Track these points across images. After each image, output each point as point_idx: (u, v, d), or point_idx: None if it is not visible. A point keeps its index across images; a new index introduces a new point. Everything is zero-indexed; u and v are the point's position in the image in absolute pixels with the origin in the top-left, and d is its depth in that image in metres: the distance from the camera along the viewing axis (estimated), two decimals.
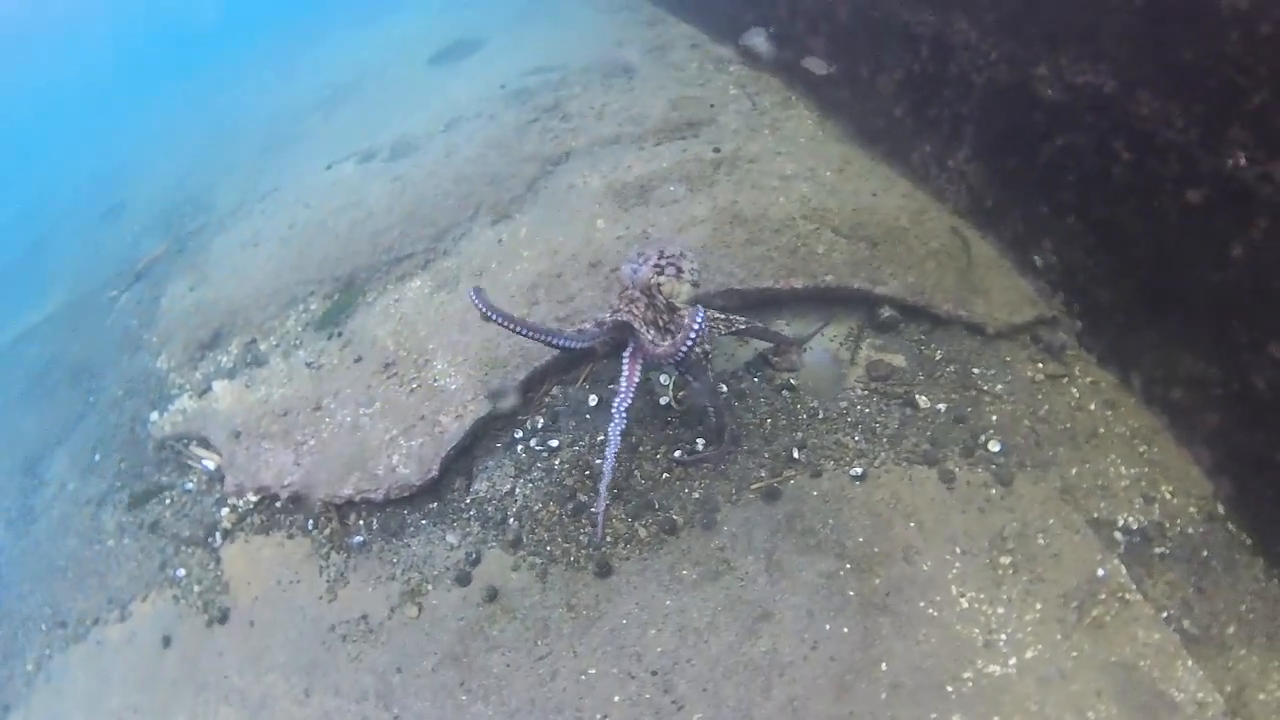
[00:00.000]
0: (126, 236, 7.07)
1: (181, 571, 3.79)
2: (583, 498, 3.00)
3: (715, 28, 5.40)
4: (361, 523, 3.34)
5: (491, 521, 3.07)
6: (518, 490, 3.10)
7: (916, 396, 3.04)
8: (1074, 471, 2.93)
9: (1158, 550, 2.76)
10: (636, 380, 2.71)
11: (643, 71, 4.97)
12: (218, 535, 3.79)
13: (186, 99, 10.59)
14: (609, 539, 2.89)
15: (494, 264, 3.79)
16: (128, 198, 8.19)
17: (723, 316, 2.93)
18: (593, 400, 3.26)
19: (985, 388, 3.07)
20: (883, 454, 2.90)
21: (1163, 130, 2.67)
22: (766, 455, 2.94)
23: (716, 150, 3.88)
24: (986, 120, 3.19)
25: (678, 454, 2.99)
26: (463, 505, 3.18)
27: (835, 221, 3.38)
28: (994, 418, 3.02)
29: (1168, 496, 2.90)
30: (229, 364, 4.37)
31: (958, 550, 2.72)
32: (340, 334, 3.99)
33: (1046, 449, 2.97)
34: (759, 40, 4.01)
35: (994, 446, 2.92)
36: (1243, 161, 2.49)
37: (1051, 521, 2.80)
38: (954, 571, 2.68)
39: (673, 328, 2.72)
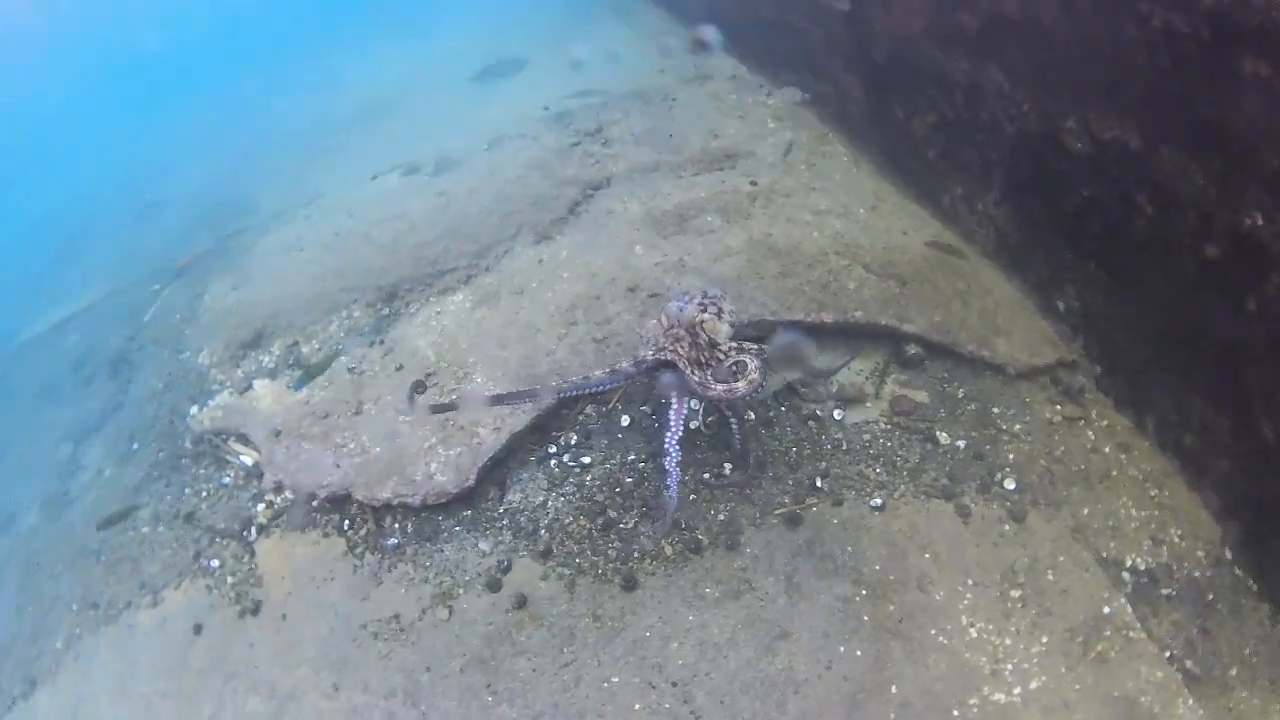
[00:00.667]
0: (166, 234, 7.33)
1: (215, 562, 3.96)
2: (612, 514, 3.16)
3: (754, 59, 5.63)
4: (396, 525, 3.51)
5: (523, 531, 3.24)
6: (550, 503, 3.27)
7: (937, 432, 3.20)
8: (1086, 511, 3.09)
9: (1164, 591, 2.92)
10: (684, 415, 2.89)
11: (682, 100, 5.19)
12: (253, 530, 3.96)
13: (225, 105, 10.92)
14: (636, 554, 3.07)
15: (534, 283, 3.98)
16: (166, 197, 8.49)
17: (755, 348, 3.11)
18: (625, 420, 3.43)
19: (1004, 427, 3.24)
20: (902, 486, 3.06)
21: (1183, 186, 2.83)
22: (790, 482, 3.10)
23: (753, 183, 4.08)
24: (1016, 167, 3.38)
25: (706, 476, 3.16)
26: (496, 514, 3.35)
27: (866, 258, 3.56)
28: (1011, 456, 3.18)
29: (1176, 539, 3.06)
30: (270, 364, 4.56)
31: (970, 581, 2.88)
32: (382, 342, 4.18)
33: (1060, 488, 3.14)
34: (709, 33, 4.25)
35: (1009, 484, 3.08)
36: (1259, 221, 2.65)
37: (1062, 558, 2.96)
38: (965, 602, 2.84)
39: (713, 364, 2.90)
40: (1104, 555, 2.99)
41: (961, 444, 3.18)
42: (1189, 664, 2.75)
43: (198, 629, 3.82)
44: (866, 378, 3.39)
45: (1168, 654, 2.76)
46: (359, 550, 3.53)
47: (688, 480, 3.22)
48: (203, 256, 5.91)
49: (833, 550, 2.94)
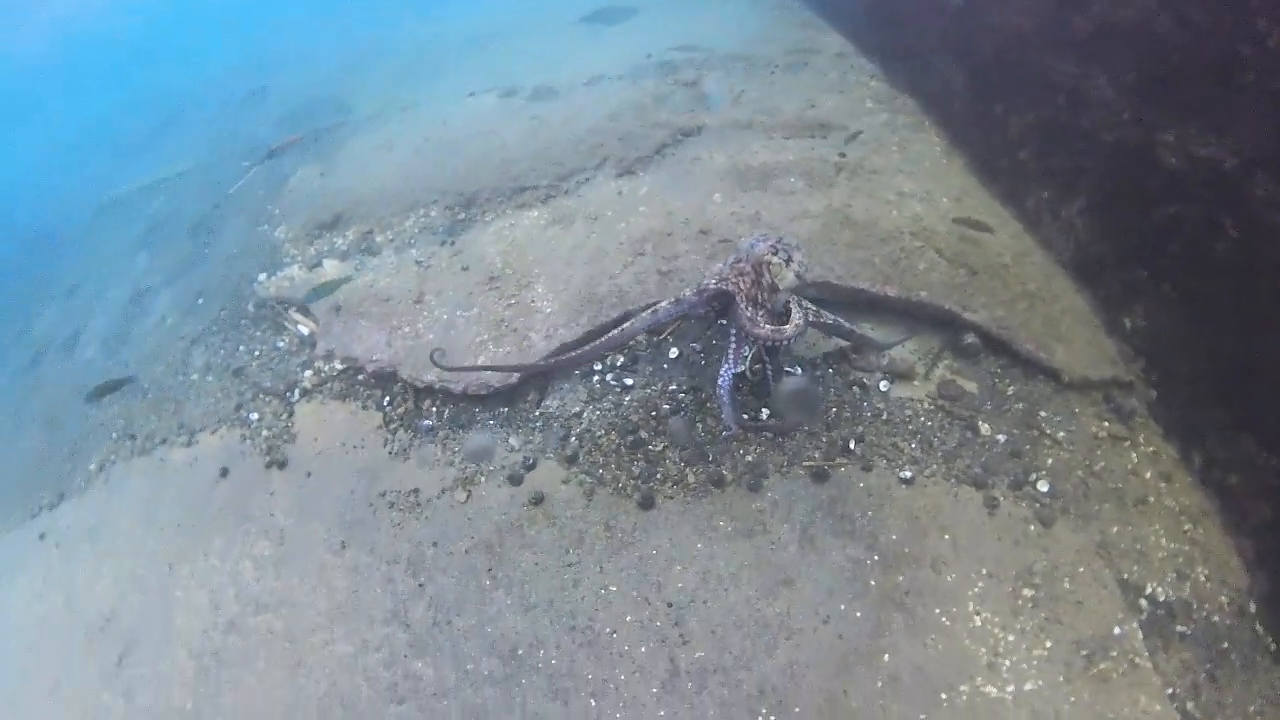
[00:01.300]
0: (264, 120, 7.67)
1: (255, 415, 4.15)
2: (643, 434, 3.22)
3: (863, 42, 5.58)
4: (434, 409, 3.64)
5: (555, 436, 3.32)
6: (585, 414, 3.35)
7: (979, 423, 3.16)
8: (1115, 530, 3.01)
9: (1180, 628, 2.81)
10: (745, 353, 2.97)
11: (785, 68, 5.20)
12: (296, 392, 4.14)
13: (338, 23, 11.27)
14: (658, 475, 3.09)
15: (609, 212, 4.07)
16: (269, 87, 8.86)
17: (813, 309, 3.12)
18: (673, 353, 3.48)
19: (1048, 431, 3.17)
20: (934, 466, 3.04)
21: (1273, 214, 2.75)
22: (824, 440, 3.10)
23: (842, 155, 4.08)
24: (1107, 177, 3.31)
25: (744, 417, 3.18)
26: (531, 416, 3.45)
27: (941, 244, 3.53)
28: (1049, 461, 3.12)
29: (1202, 579, 2.94)
30: (344, 246, 4.76)
31: (984, 572, 2.83)
32: (453, 243, 4.33)
33: (1093, 503, 3.06)
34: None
35: (1043, 487, 3.02)
36: None
37: (1082, 570, 2.89)
38: (975, 590, 2.79)
39: (769, 306, 2.94)
40: (1125, 577, 2.90)
41: (1001, 438, 3.12)
42: (1190, 706, 2.65)
43: (224, 472, 4.01)
44: (920, 358, 3.36)
45: (1170, 690, 2.66)
46: (393, 426, 3.68)
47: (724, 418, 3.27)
48: (296, 143, 6.17)
49: (853, 512, 2.93)
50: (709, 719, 2.52)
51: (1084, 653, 2.70)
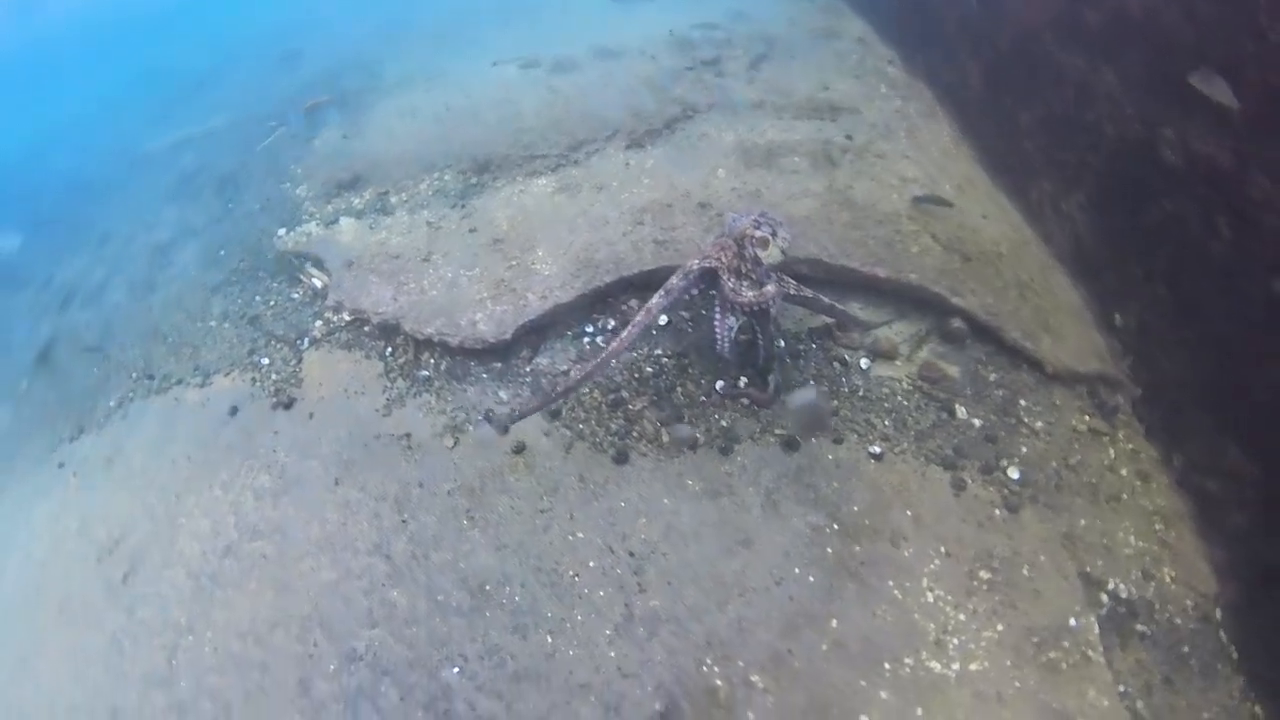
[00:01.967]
0: (295, 82, 8.17)
1: (266, 360, 4.59)
2: (624, 394, 3.52)
3: (884, 28, 5.80)
4: (432, 361, 4.00)
5: (541, 391, 3.65)
6: (572, 372, 3.67)
7: (957, 406, 3.39)
8: (1083, 523, 3.16)
9: (1140, 627, 2.95)
10: (732, 326, 3.27)
11: (804, 51, 5.47)
12: (305, 340, 4.56)
13: None
14: (634, 434, 3.39)
15: (615, 182, 4.41)
16: (302, 49, 9.46)
17: (794, 283, 3.40)
18: (663, 320, 3.76)
19: (1026, 420, 3.37)
20: (906, 444, 3.28)
21: (1268, 216, 2.89)
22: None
23: (849, 138, 4.34)
24: (1109, 171, 3.48)
25: (720, 384, 3.47)
26: (523, 372, 3.78)
27: (937, 230, 3.75)
28: (1024, 449, 3.31)
29: (1168, 581, 3.07)
30: (360, 206, 5.18)
31: (943, 550, 3.03)
32: (464, 206, 4.71)
33: (1065, 495, 3.22)
34: None
35: (1014, 474, 3.21)
36: None
37: (1043, 559, 3.04)
38: (932, 567, 2.99)
39: (754, 277, 3.22)
40: (1088, 570, 3.05)
41: (977, 423, 3.34)
42: (1140, 706, 2.78)
43: (234, 411, 4.45)
44: (904, 340, 3.60)
45: (1122, 688, 2.80)
46: (393, 375, 4.05)
47: (703, 383, 3.52)
48: (324, 104, 6.64)
49: (819, 482, 3.19)
50: (656, 664, 2.79)
51: (1035, 640, 2.85)
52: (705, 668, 2.77)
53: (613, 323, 3.80)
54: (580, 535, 3.17)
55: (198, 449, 4.48)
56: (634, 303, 3.80)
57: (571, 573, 3.07)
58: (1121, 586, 3.05)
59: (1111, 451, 3.35)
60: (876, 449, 3.23)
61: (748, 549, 3.04)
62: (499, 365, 3.84)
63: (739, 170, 4.22)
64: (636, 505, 3.20)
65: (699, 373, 3.56)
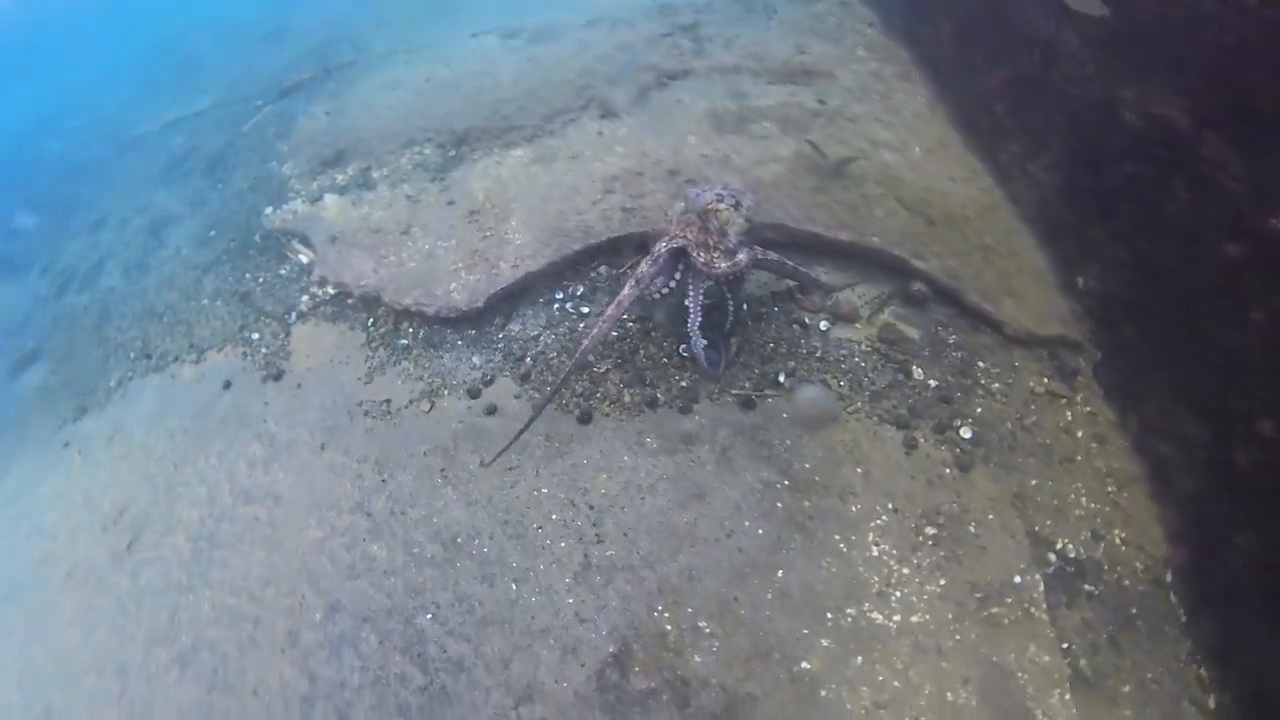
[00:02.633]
0: (280, 60, 8.62)
1: (256, 335, 5.08)
2: (590, 358, 3.91)
3: None
4: (411, 330, 4.44)
5: (512, 356, 4.07)
6: (542, 338, 4.08)
7: (913, 367, 3.71)
8: (1034, 483, 3.42)
9: (1087, 587, 3.19)
10: (701, 297, 3.61)
11: (783, 14, 5.75)
12: (293, 314, 5.03)
13: None
14: (598, 394, 3.81)
15: (588, 151, 4.79)
16: (287, 27, 9.97)
17: (760, 250, 3.75)
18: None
19: (983, 382, 3.68)
20: (860, 403, 3.61)
21: (1221, 177, 3.14)
22: (757, 372, 3.73)
23: (821, 102, 4.63)
24: (1072, 133, 3.74)
25: (683, 348, 3.84)
26: (495, 339, 4.20)
27: (904, 193, 4.04)
28: (979, 410, 3.61)
29: (1118, 543, 3.30)
30: (343, 181, 5.63)
31: (890, 506, 3.34)
32: (443, 179, 5.13)
33: (1017, 455, 3.49)
34: None
35: (966, 434, 3.51)
36: None
37: (991, 517, 3.32)
38: (878, 522, 3.31)
39: (723, 248, 3.59)
40: (1036, 530, 3.30)
41: (933, 383, 3.66)
42: (1083, 664, 3.01)
43: (227, 384, 4.97)
44: (866, 303, 3.93)
45: (1066, 645, 3.03)
46: (375, 345, 4.50)
47: (665, 346, 3.91)
48: (307, 82, 7.08)
49: (772, 440, 3.54)
50: (611, 608, 3.20)
51: (978, 595, 3.14)
52: (656, 613, 3.16)
53: (581, 289, 4.20)
54: (545, 491, 3.59)
55: (194, 422, 5.02)
56: (603, 269, 4.19)
57: (536, 525, 3.50)
58: (1070, 546, 3.29)
59: (1069, 414, 3.62)
60: None
61: (701, 502, 3.42)
62: (473, 333, 4.26)
63: (710, 137, 4.56)
64: (598, 462, 3.60)
65: (661, 335, 3.93)
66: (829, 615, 3.10)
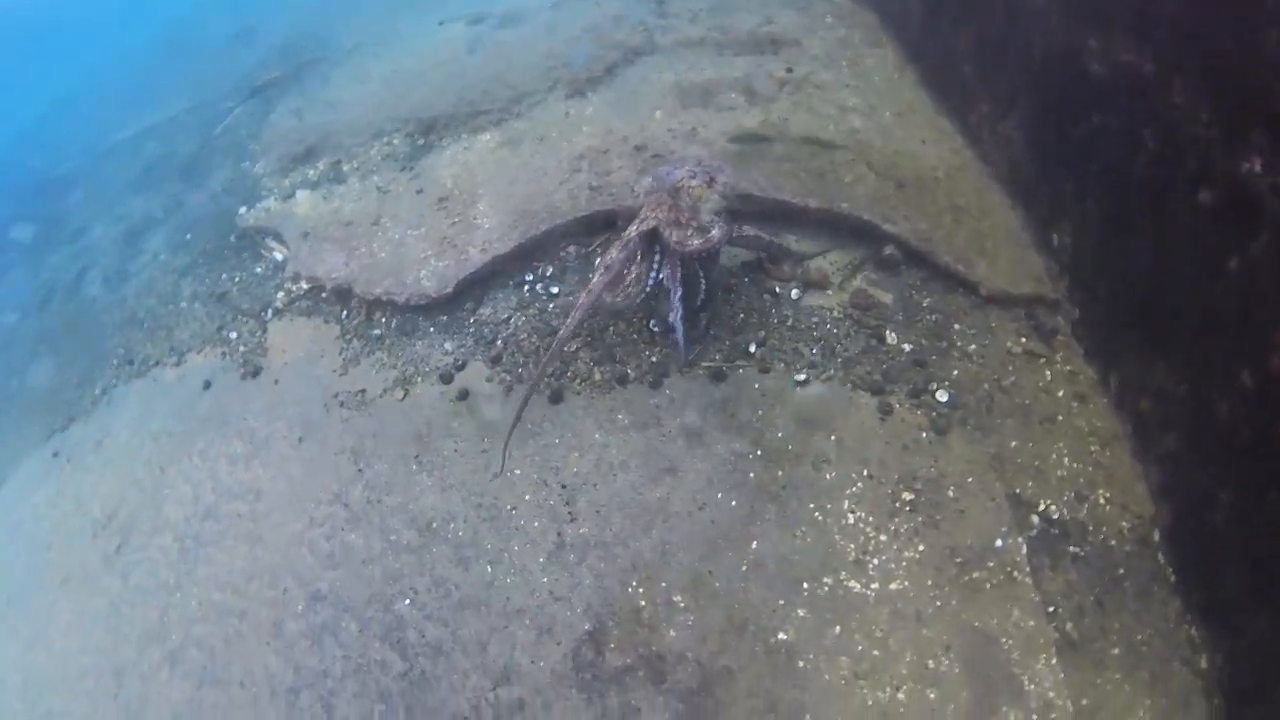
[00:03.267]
0: (251, 59, 8.73)
1: (234, 334, 5.17)
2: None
3: None
4: (384, 320, 4.52)
5: (484, 340, 4.14)
6: (512, 320, 4.15)
7: (887, 332, 3.73)
8: (1014, 445, 3.40)
9: (1071, 549, 3.15)
10: (680, 275, 3.60)
11: None
12: (269, 311, 5.12)
13: None
14: (569, 374, 3.88)
15: (554, 133, 4.85)
16: (258, 25, 10.09)
17: (736, 225, 3.77)
18: (599, 263, 4.19)
19: (959, 344, 3.69)
20: (832, 370, 3.64)
21: (1189, 125, 3.11)
22: (727, 343, 3.77)
23: (789, 70, 4.67)
24: (1039, 88, 3.74)
25: (652, 323, 3.91)
26: (467, 323, 4.27)
27: (873, 157, 4.08)
28: (955, 372, 3.61)
29: (1102, 503, 3.27)
30: (314, 177, 5.73)
31: (865, 473, 3.36)
32: (412, 168, 5.21)
33: (996, 417, 3.49)
34: None
35: (942, 397, 3.52)
36: (1258, 167, 2.91)
37: (970, 480, 3.30)
38: (854, 489, 3.32)
39: (694, 225, 3.60)
40: (1017, 492, 3.28)
41: (908, 347, 3.69)
42: (1069, 627, 2.97)
43: (207, 385, 5.05)
44: (837, 269, 3.96)
45: (1051, 609, 3.00)
46: (349, 336, 4.58)
47: (635, 322, 3.98)
48: (277, 80, 7.20)
49: (743, 410, 3.57)
50: (585, 587, 3.25)
51: (958, 560, 3.12)
52: (630, 589, 3.22)
53: (551, 269, 4.27)
54: (518, 472, 3.65)
55: (176, 423, 5.10)
56: (571, 249, 4.26)
57: (509, 506, 3.55)
58: (1053, 508, 3.26)
59: (1048, 373, 3.61)
60: (802, 376, 3.61)
61: (672, 476, 3.46)
62: (445, 319, 4.32)
63: (676, 111, 4.62)
64: (570, 441, 3.66)
65: (630, 313, 3.99)
66: (805, 585, 3.12)
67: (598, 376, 3.80)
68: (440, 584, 3.47)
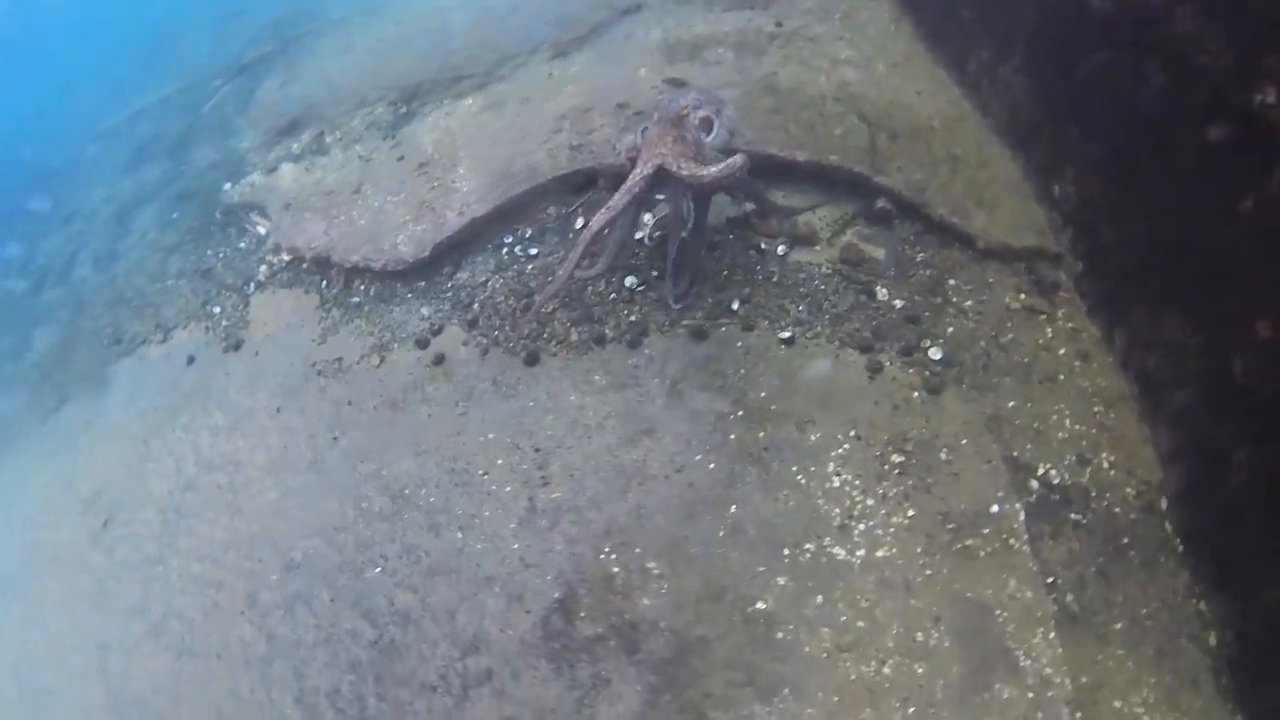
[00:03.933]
0: (242, 37, 8.79)
1: (217, 309, 5.19)
2: (537, 298, 3.90)
3: None
4: (362, 287, 4.51)
5: (461, 304, 4.10)
6: (490, 283, 4.10)
7: (877, 288, 3.62)
8: (1012, 405, 3.27)
9: (1073, 516, 3.02)
10: (693, 207, 3.42)
11: None
12: (252, 285, 5.13)
13: None
14: (545, 335, 3.81)
15: (538, 93, 4.80)
16: (249, 7, 10.27)
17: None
18: (579, 223, 4.15)
19: (954, 300, 3.57)
20: (819, 327, 3.54)
21: (1197, 55, 2.95)
22: (710, 301, 3.68)
23: (779, 24, 4.57)
24: (1040, 28, 3.60)
25: (630, 281, 3.83)
26: (445, 288, 4.24)
27: (866, 109, 3.96)
28: (950, 330, 3.48)
29: (1106, 467, 3.13)
30: (298, 150, 5.75)
31: (852, 434, 3.23)
32: (394, 136, 5.20)
33: (992, 375, 3.35)
34: None
35: (935, 354, 3.39)
36: (1272, 97, 2.77)
37: (965, 442, 3.17)
38: (839, 451, 3.20)
39: (701, 157, 3.40)
40: (1015, 455, 3.15)
41: (899, 304, 3.57)
42: (1069, 599, 2.85)
43: (190, 360, 5.06)
44: (828, 225, 3.85)
45: (1050, 579, 2.87)
46: (328, 306, 4.58)
47: (614, 282, 3.89)
48: (266, 56, 7.26)
49: (726, 369, 3.48)
50: (556, 553, 3.19)
51: (950, 526, 2.99)
52: (603, 555, 3.14)
53: (530, 231, 4.20)
54: (491, 436, 3.60)
55: (161, 399, 5.13)
56: (551, 210, 4.20)
57: (481, 471, 3.50)
58: (1054, 472, 3.13)
59: (1049, 330, 3.47)
60: (786, 334, 3.51)
61: (650, 437, 3.38)
62: (423, 284, 4.29)
63: (662, 66, 4.53)
64: (544, 403, 3.60)
65: (609, 272, 3.91)
66: (786, 551, 3.01)
67: (575, 337, 3.73)
68: (410, 551, 3.43)
